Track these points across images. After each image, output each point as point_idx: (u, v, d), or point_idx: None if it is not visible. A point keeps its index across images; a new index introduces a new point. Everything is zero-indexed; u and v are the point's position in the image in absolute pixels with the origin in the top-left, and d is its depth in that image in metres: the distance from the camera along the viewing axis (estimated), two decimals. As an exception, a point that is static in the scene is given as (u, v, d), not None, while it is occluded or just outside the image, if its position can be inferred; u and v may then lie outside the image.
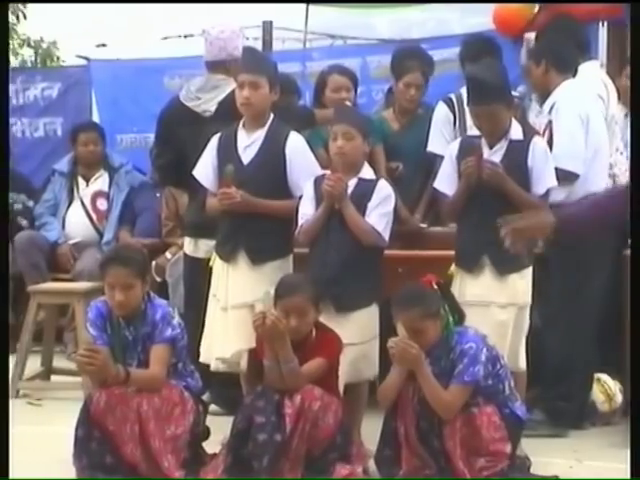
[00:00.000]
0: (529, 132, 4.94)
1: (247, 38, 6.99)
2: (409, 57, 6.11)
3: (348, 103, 5.67)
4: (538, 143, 4.83)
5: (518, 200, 4.71)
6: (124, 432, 4.35)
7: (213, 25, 5.62)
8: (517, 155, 4.79)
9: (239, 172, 4.80)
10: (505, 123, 4.82)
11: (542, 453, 4.61)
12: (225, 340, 4.80)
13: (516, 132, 4.85)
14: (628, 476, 3.52)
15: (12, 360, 6.08)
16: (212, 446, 4.60)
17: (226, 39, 5.51)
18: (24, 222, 7.54)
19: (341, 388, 4.59)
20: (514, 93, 5.44)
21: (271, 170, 4.88)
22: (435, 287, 4.43)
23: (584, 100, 5.23)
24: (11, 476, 4.07)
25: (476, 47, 6.05)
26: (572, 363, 5.04)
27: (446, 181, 4.99)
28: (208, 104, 5.48)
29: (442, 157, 5.54)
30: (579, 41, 5.59)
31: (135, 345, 4.54)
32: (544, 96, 5.49)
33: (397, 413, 4.36)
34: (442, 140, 5.86)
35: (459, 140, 5.09)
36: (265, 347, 4.41)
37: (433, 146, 5.88)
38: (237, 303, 4.79)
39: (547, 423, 5.11)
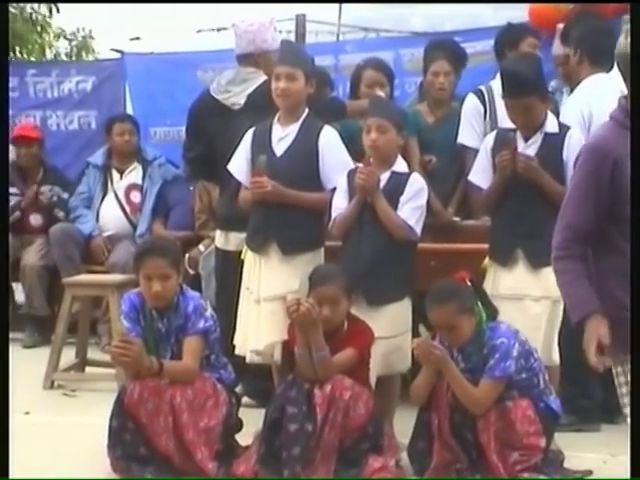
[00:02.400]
0: (565, 125, 4.91)
1: (280, 31, 6.99)
2: (435, 48, 6.11)
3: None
4: (574, 136, 4.79)
5: (552, 193, 4.68)
6: (157, 424, 4.37)
7: (243, 19, 5.64)
8: (552, 148, 4.76)
9: (272, 164, 4.81)
10: (540, 116, 4.79)
11: (575, 447, 4.59)
12: (258, 332, 4.81)
13: (551, 125, 4.82)
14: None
15: (47, 352, 6.16)
16: (245, 438, 4.61)
17: (254, 32, 5.54)
18: (61, 214, 7.59)
19: (373, 381, 4.60)
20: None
21: (303, 162, 4.88)
22: (469, 283, 4.43)
23: (592, 98, 5.16)
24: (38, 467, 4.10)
25: (517, 32, 6.02)
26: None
27: (481, 174, 4.97)
28: (237, 97, 5.50)
29: (472, 149, 5.54)
30: (613, 35, 5.54)
31: (168, 337, 4.56)
32: (575, 86, 5.46)
33: (431, 405, 4.36)
34: (472, 132, 5.82)
35: (494, 133, 5.06)
36: (297, 335, 4.43)
37: (463, 138, 5.85)
38: (269, 295, 4.80)
39: (576, 420, 5.08)
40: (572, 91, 5.52)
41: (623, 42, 3.17)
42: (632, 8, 3.25)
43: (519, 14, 7.20)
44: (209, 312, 4.57)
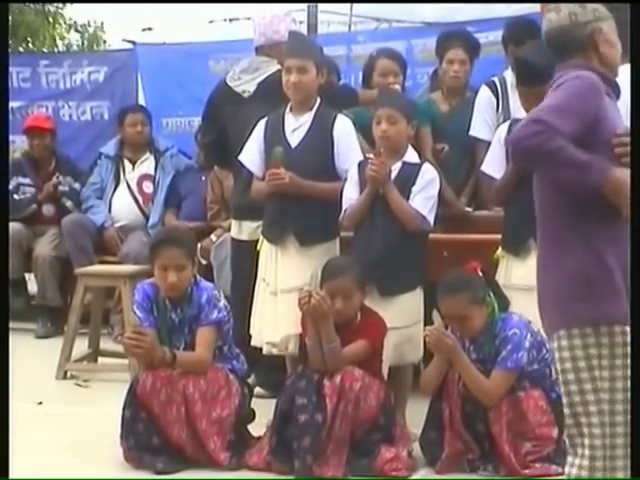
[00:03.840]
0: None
1: (299, 22, 7.01)
2: (450, 37, 6.12)
3: (396, 87, 5.64)
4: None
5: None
6: (170, 414, 4.37)
7: (259, 11, 5.70)
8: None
9: (287, 155, 4.81)
10: (554, 106, 4.76)
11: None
12: (275, 324, 4.82)
13: (565, 116, 4.79)
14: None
15: (60, 342, 6.17)
16: (258, 429, 4.61)
17: (265, 24, 5.59)
18: (69, 203, 7.59)
19: (385, 371, 4.60)
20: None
21: (319, 153, 4.88)
22: (480, 274, 4.42)
23: (627, 87, 5.13)
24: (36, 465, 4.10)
25: (520, 29, 6.01)
26: None
27: (494, 164, 4.95)
28: (248, 84, 5.54)
29: (484, 141, 5.54)
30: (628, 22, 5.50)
31: (181, 328, 4.56)
32: None
33: (443, 396, 4.36)
34: (485, 124, 5.83)
35: (508, 123, 5.05)
36: (308, 326, 4.43)
37: (476, 130, 5.85)
38: (286, 287, 4.81)
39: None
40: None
41: (554, 18, 3.13)
42: (632, 8, 3.24)
43: (532, 5, 7.17)
44: (222, 303, 4.58)
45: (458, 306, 4.29)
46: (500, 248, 4.87)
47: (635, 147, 2.90)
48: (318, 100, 4.96)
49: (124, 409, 4.42)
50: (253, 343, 4.93)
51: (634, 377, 2.93)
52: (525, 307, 4.51)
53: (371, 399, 4.35)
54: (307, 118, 4.93)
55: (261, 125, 5.03)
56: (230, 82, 5.63)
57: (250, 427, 4.64)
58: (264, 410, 4.65)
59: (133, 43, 9.17)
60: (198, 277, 4.69)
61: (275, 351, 4.88)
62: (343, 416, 4.28)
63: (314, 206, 4.81)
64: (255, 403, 4.73)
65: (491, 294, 4.38)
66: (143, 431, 4.39)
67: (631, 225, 2.92)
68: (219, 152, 5.85)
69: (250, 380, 4.99)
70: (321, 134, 4.89)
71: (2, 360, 3.68)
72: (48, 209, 7.65)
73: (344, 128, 4.94)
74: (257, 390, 5.13)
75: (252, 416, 4.66)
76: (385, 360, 4.58)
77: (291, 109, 4.96)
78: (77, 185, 7.66)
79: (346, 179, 4.83)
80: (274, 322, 4.82)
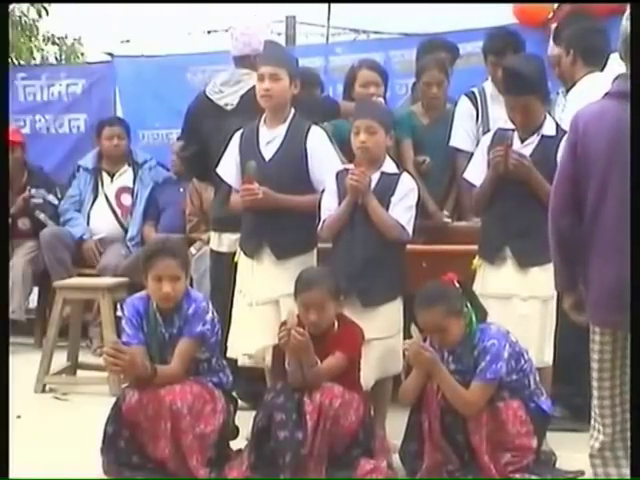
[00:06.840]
0: (562, 129, 4.90)
1: (277, 33, 7.00)
2: (426, 53, 6.12)
3: (376, 98, 5.64)
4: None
5: (543, 193, 4.67)
6: (158, 428, 4.30)
7: (240, 21, 5.67)
8: (547, 151, 4.71)
9: (261, 168, 4.80)
10: (539, 117, 4.77)
11: (567, 447, 4.59)
12: (250, 336, 4.81)
13: (549, 128, 4.80)
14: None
15: (39, 355, 6.14)
16: (237, 441, 4.59)
17: (251, 34, 5.54)
18: (42, 216, 7.55)
19: (371, 384, 4.58)
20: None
21: (293, 165, 4.88)
22: (457, 285, 4.42)
23: (591, 99, 5.16)
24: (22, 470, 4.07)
25: (501, 40, 6.03)
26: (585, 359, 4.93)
27: (476, 172, 4.96)
28: (230, 97, 5.52)
29: (464, 152, 5.55)
30: (605, 34, 5.54)
31: (172, 342, 4.46)
32: (571, 87, 5.46)
33: (422, 407, 4.36)
34: (465, 135, 5.86)
35: (492, 132, 5.06)
36: (288, 354, 4.39)
37: (456, 141, 5.88)
38: (262, 299, 4.80)
39: (569, 418, 5.08)
40: (567, 92, 5.53)
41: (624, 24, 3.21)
42: (632, 8, 3.25)
43: (510, 15, 7.21)
44: (210, 315, 4.48)
45: (435, 318, 4.29)
46: (477, 257, 4.88)
47: (635, 147, 2.91)
48: (292, 111, 4.96)
49: (107, 424, 4.36)
50: (229, 354, 4.90)
51: (634, 377, 2.95)
52: (502, 316, 4.53)
53: (351, 415, 4.32)
54: (281, 130, 4.92)
55: (237, 137, 5.02)
56: (211, 95, 5.60)
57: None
58: (244, 422, 4.63)
59: (111, 55, 9.14)
60: (189, 288, 4.62)
61: (250, 362, 4.86)
62: (322, 433, 4.25)
63: (290, 219, 4.81)
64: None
65: (468, 305, 4.38)
66: (124, 449, 4.33)
67: (631, 227, 2.93)
68: (200, 165, 5.80)
69: (231, 392, 4.97)
70: (295, 146, 4.88)
71: (2, 358, 3.67)
72: (23, 222, 7.59)
73: (318, 139, 4.93)
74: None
75: (235, 433, 4.61)
76: (371, 374, 4.57)
77: (265, 121, 4.96)
78: (51, 197, 7.62)
79: (322, 191, 4.83)
80: (250, 333, 4.81)
